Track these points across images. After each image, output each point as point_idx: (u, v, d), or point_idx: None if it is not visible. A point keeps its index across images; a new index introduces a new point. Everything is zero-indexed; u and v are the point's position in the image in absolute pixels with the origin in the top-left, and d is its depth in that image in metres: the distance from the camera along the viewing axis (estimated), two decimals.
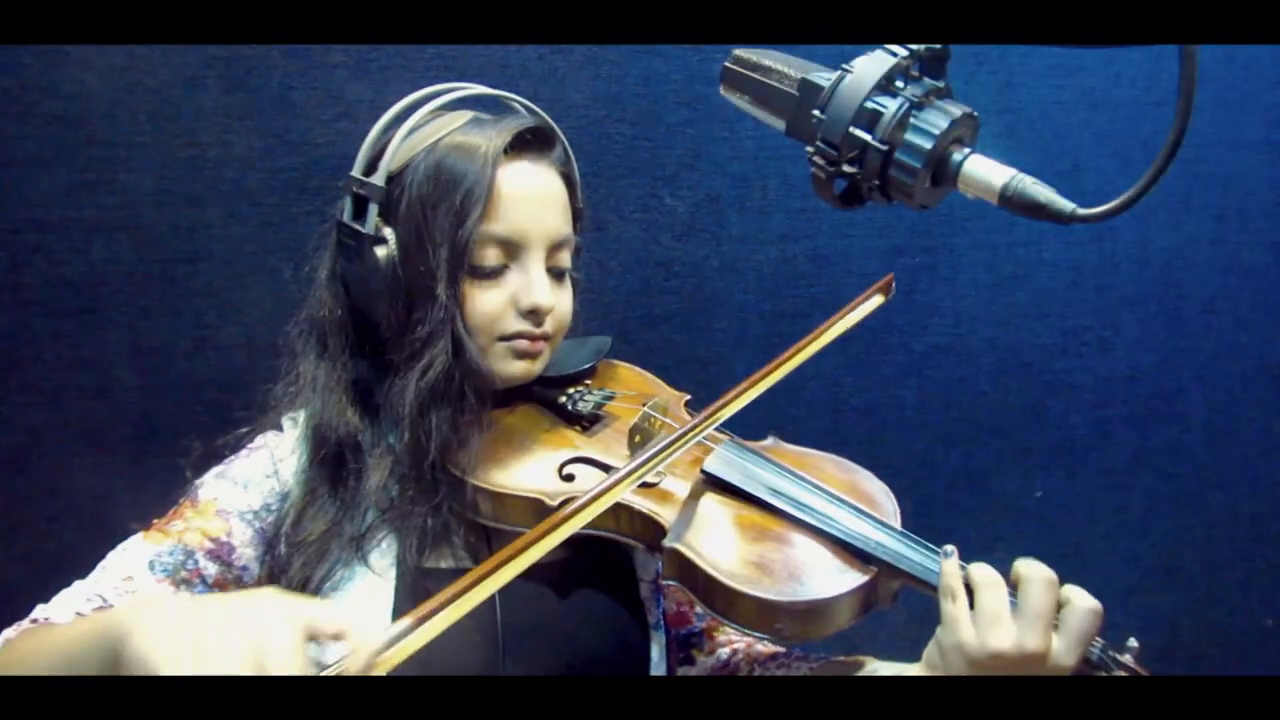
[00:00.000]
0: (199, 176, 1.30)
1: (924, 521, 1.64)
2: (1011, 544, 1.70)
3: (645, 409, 0.96)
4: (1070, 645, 0.75)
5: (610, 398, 1.03)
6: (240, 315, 1.33)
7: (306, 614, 0.63)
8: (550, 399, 1.02)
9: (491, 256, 0.93)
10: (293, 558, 0.90)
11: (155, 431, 1.33)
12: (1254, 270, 1.72)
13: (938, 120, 0.65)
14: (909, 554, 0.83)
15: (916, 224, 1.56)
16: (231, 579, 0.90)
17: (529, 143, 0.95)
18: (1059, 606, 0.77)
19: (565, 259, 0.98)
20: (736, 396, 0.87)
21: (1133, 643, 0.78)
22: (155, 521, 0.91)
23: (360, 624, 0.64)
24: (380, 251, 0.91)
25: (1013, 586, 0.78)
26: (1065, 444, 1.70)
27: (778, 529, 0.86)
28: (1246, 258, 1.71)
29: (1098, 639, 0.76)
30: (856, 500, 0.89)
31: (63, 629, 0.78)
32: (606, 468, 0.93)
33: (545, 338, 0.96)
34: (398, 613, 0.88)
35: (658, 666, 0.97)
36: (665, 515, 0.87)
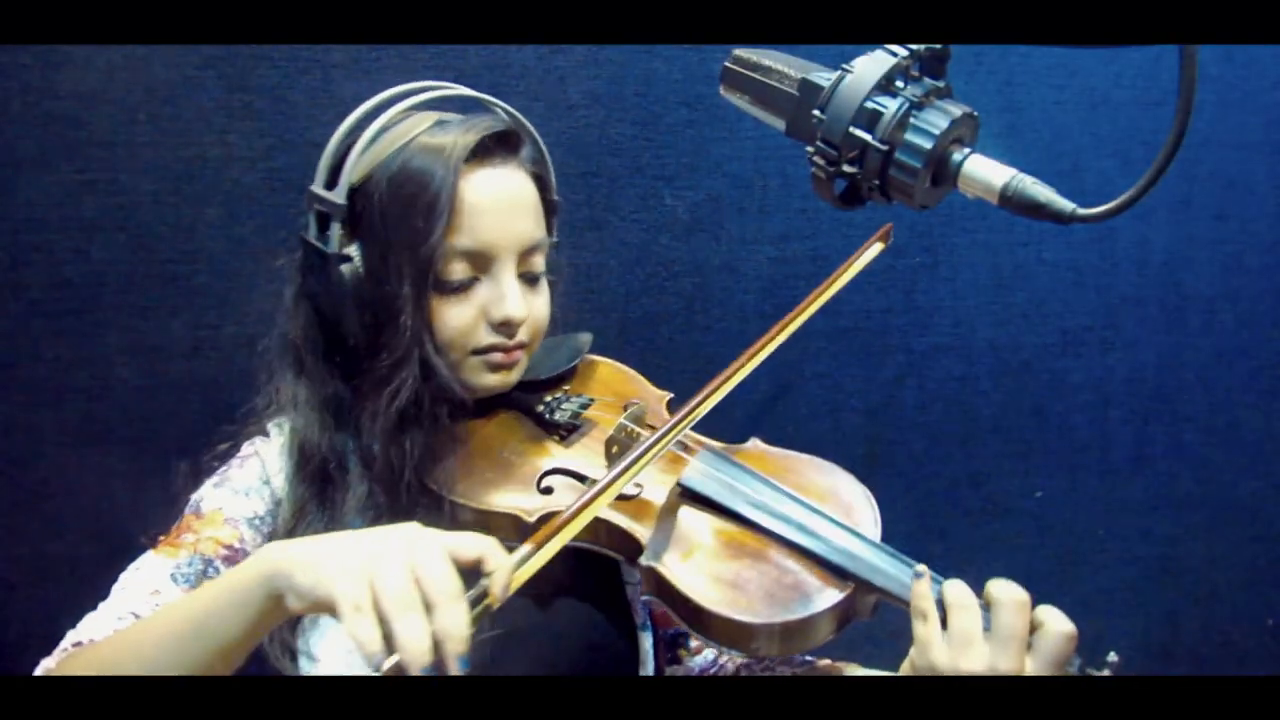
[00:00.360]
0: (199, 176, 1.30)
1: (924, 522, 1.66)
2: (1011, 544, 1.70)
3: (621, 419, 0.95)
4: (1043, 668, 0.73)
5: (589, 404, 1.01)
6: (240, 315, 1.33)
7: (448, 540, 0.69)
8: (528, 406, 1.00)
9: (459, 270, 0.90)
10: None
11: (155, 431, 1.33)
12: (1254, 270, 1.72)
13: (938, 120, 0.65)
14: (886, 569, 0.81)
15: (916, 224, 1.56)
16: None
17: (494, 147, 0.92)
18: (1033, 628, 0.75)
19: (538, 263, 0.96)
20: (717, 387, 0.86)
21: (1113, 657, 0.76)
22: (162, 538, 0.90)
23: (493, 546, 0.69)
24: (346, 269, 0.89)
25: (986, 605, 0.77)
26: (1065, 444, 1.70)
27: (755, 545, 0.85)
28: (1247, 258, 1.71)
29: (1075, 657, 0.75)
30: (836, 510, 0.88)
31: (170, 610, 0.76)
32: (584, 479, 0.92)
33: (521, 346, 0.95)
34: None
35: (645, 667, 0.97)
36: (642, 531, 0.87)
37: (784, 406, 1.56)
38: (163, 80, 1.27)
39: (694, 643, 1.07)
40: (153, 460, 1.31)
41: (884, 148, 0.65)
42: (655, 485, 0.91)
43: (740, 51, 0.75)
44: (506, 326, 0.92)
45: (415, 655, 0.62)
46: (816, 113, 0.68)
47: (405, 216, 0.87)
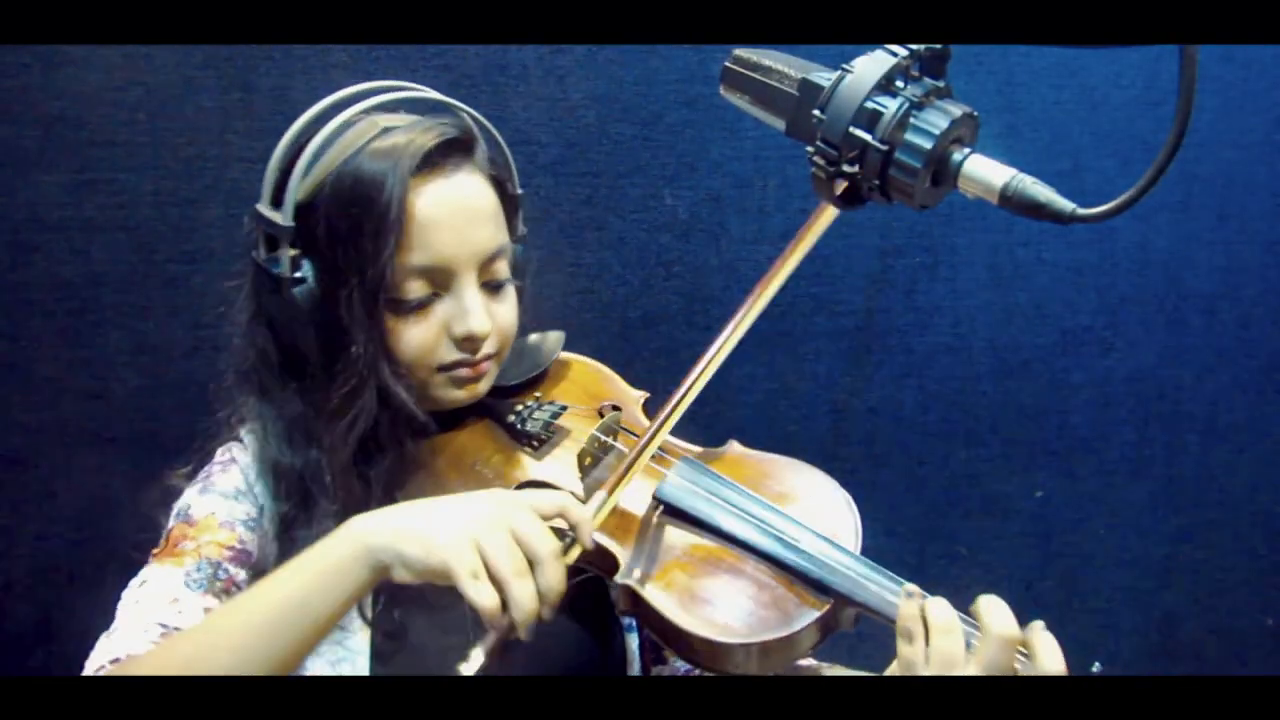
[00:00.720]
0: (199, 176, 1.30)
1: (924, 522, 1.66)
2: (1011, 544, 1.70)
3: (593, 431, 0.93)
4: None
5: (560, 412, 0.99)
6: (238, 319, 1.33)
7: (532, 500, 0.74)
8: (500, 414, 0.98)
9: (416, 289, 0.86)
10: None
11: (155, 431, 1.33)
12: (1254, 270, 1.72)
13: (938, 120, 0.65)
14: (866, 584, 0.80)
15: (916, 224, 1.56)
16: None
17: (444, 155, 0.86)
18: (1024, 652, 0.74)
19: (501, 270, 0.92)
20: (695, 380, 0.83)
21: (1096, 668, 0.76)
22: (156, 551, 0.86)
23: (570, 500, 0.76)
24: (298, 292, 0.85)
25: (974, 621, 0.75)
26: (1065, 444, 1.70)
27: (732, 560, 0.84)
28: (1247, 258, 1.71)
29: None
30: (815, 519, 0.86)
31: (257, 599, 0.74)
32: (555, 491, 0.90)
33: (488, 358, 0.92)
34: (376, 640, 0.86)
35: (631, 668, 0.96)
36: (618, 548, 0.85)
37: (784, 406, 1.56)
38: (163, 80, 1.27)
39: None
40: (153, 460, 1.31)
41: (884, 148, 0.65)
42: (632, 496, 0.88)
43: (740, 51, 0.75)
44: (470, 342, 0.89)
45: (529, 614, 0.69)
46: (816, 113, 0.68)
47: (353, 237, 0.83)
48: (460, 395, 0.92)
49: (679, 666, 1.06)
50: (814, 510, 0.88)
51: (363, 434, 0.86)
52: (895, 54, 0.66)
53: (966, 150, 0.66)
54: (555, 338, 1.07)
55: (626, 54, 1.41)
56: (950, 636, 0.73)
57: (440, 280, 0.88)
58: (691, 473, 0.90)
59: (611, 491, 0.78)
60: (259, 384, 0.92)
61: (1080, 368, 1.68)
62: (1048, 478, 1.70)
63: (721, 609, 0.80)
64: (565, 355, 1.08)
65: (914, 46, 0.67)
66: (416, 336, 0.88)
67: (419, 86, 0.93)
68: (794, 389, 1.56)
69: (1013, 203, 0.63)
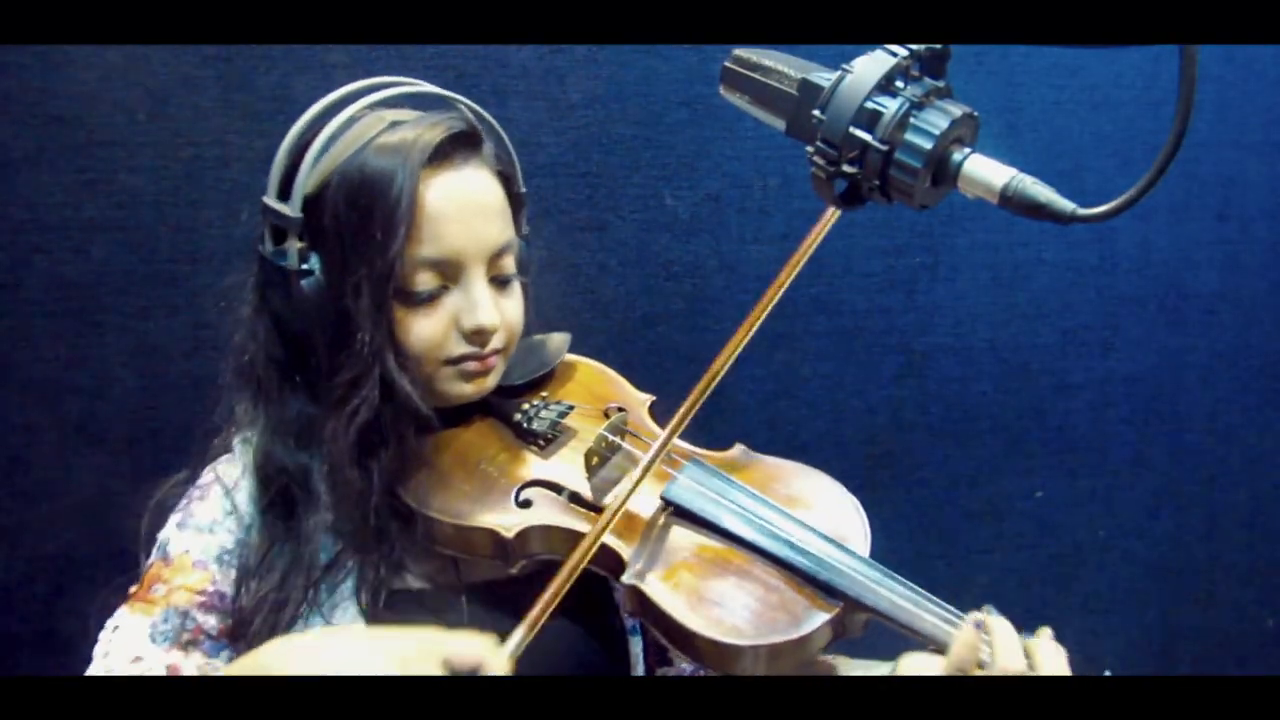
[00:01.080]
0: (199, 176, 1.30)
1: (924, 522, 1.66)
2: (1011, 544, 1.70)
3: (601, 430, 0.93)
4: None
5: (567, 411, 0.98)
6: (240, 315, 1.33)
7: (445, 650, 0.68)
8: (506, 413, 0.97)
9: (425, 281, 0.86)
10: (260, 602, 0.86)
11: (155, 431, 1.33)
12: (1254, 270, 1.72)
13: (938, 120, 0.65)
14: (876, 587, 0.79)
15: (916, 224, 1.56)
16: (233, 624, 0.88)
17: (453, 149, 0.87)
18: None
19: (508, 265, 0.92)
20: (703, 391, 0.84)
21: (1107, 674, 0.76)
22: (134, 591, 0.87)
23: (488, 647, 0.69)
24: (305, 285, 0.85)
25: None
26: (1065, 444, 1.70)
27: (740, 562, 0.83)
28: (1247, 258, 1.71)
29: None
30: (823, 524, 0.86)
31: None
32: (562, 491, 0.90)
33: (495, 353, 0.91)
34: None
35: (635, 671, 0.96)
36: (625, 548, 0.84)
37: (784, 406, 1.56)
38: (163, 80, 1.27)
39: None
40: (153, 460, 1.31)
41: (884, 148, 0.65)
42: (639, 497, 0.87)
43: (740, 51, 0.75)
44: (479, 335, 0.89)
45: None
46: (816, 113, 0.68)
47: (363, 228, 0.83)
48: (467, 390, 0.92)
49: (684, 668, 1.06)
50: (823, 514, 0.88)
51: (364, 425, 0.85)
52: (895, 54, 0.66)
53: (966, 150, 0.66)
54: (561, 339, 1.06)
55: (626, 54, 1.41)
56: (974, 665, 0.72)
57: (449, 273, 0.88)
58: (700, 474, 0.90)
59: (534, 626, 0.74)
60: (258, 381, 0.91)
61: (1080, 368, 1.68)
62: (1048, 478, 1.70)
63: (729, 611, 0.80)
64: (571, 357, 1.08)
65: (914, 46, 0.67)
66: (426, 329, 0.87)
67: (425, 83, 0.93)
68: (794, 389, 1.56)
69: (1013, 203, 0.63)
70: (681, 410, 0.83)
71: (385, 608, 0.87)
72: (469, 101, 0.93)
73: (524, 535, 0.86)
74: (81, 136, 1.26)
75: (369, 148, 0.85)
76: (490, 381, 0.93)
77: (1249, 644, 1.82)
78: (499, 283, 0.91)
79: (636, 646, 0.97)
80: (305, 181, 0.85)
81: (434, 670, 0.66)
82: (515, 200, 0.95)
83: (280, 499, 0.89)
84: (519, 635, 0.72)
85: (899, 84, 0.67)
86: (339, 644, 0.70)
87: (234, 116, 1.30)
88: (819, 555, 0.82)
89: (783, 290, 0.87)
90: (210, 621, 0.86)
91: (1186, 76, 0.55)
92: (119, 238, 1.29)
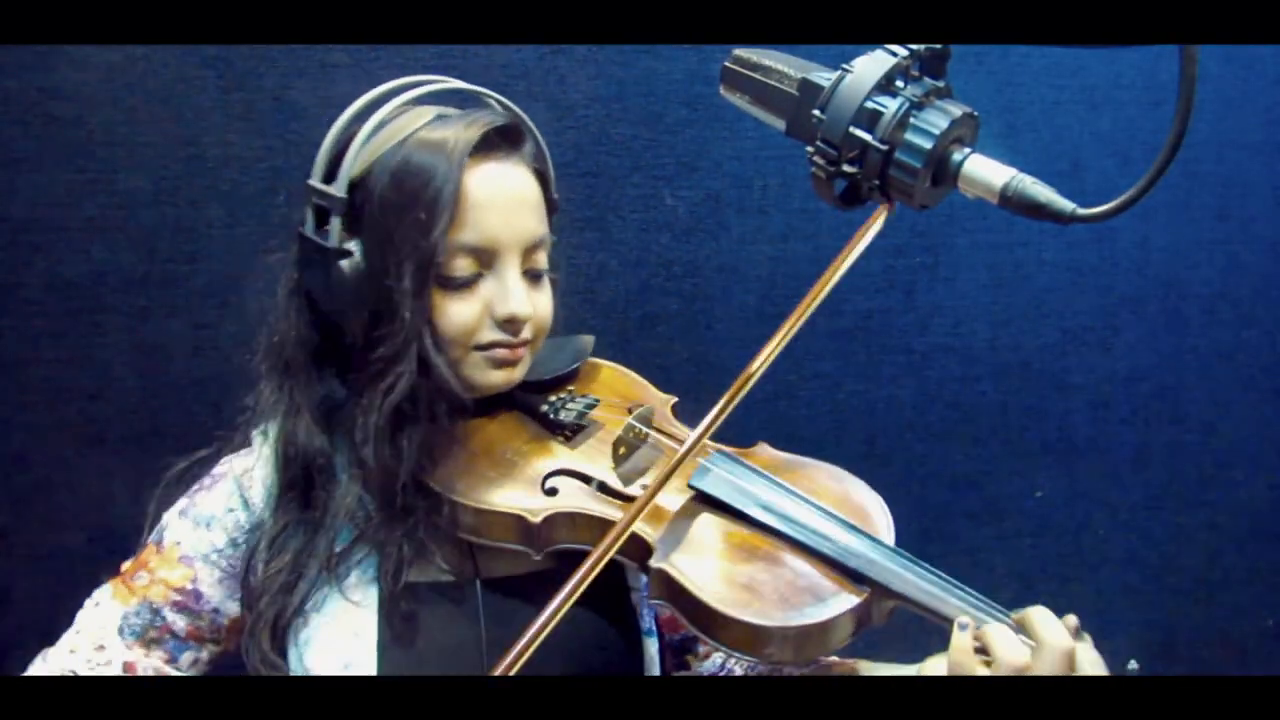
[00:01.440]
0: (199, 176, 1.30)
1: (924, 522, 1.66)
2: (1011, 544, 1.70)
3: (630, 420, 0.94)
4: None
5: (594, 404, 1.00)
6: (240, 315, 1.33)
7: None
8: (532, 406, 0.99)
9: (463, 267, 0.88)
10: (268, 583, 0.87)
11: (155, 431, 1.33)
12: (1254, 270, 1.72)
13: (938, 120, 0.65)
14: (903, 573, 0.80)
15: (916, 224, 1.56)
16: (204, 625, 0.90)
17: (497, 142, 0.90)
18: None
19: (541, 260, 0.94)
20: (740, 387, 0.84)
21: (1133, 665, 0.75)
22: (124, 569, 0.91)
23: None
24: (345, 265, 0.86)
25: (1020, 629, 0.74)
26: (1065, 444, 1.70)
27: (768, 548, 0.84)
28: (1247, 258, 1.71)
29: None
30: (849, 514, 0.86)
31: None
32: (589, 480, 0.91)
33: (525, 344, 0.93)
34: (384, 633, 0.87)
35: (650, 672, 0.96)
36: (653, 533, 0.85)
37: (784, 406, 1.56)
38: (163, 80, 1.27)
39: (702, 648, 1.06)
40: (153, 460, 1.31)
41: (884, 148, 0.65)
42: (665, 491, 0.87)
43: (740, 51, 0.75)
44: (511, 323, 0.90)
45: None
46: (816, 113, 0.68)
47: (408, 211, 0.85)
48: (496, 377, 0.93)
49: (701, 671, 1.06)
50: (847, 505, 0.88)
51: (398, 401, 0.87)
52: (895, 54, 0.67)
53: (966, 150, 0.66)
54: (586, 340, 1.08)
55: (626, 54, 1.42)
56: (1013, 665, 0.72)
57: (486, 260, 0.89)
58: (727, 464, 0.91)
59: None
60: (286, 361, 0.92)
61: (1080, 368, 1.68)
62: (1048, 478, 1.70)
63: (758, 594, 0.80)
64: (594, 360, 1.09)
65: (914, 46, 0.67)
66: (460, 314, 0.89)
67: (468, 84, 0.95)
68: (794, 389, 1.56)
69: (1013, 203, 0.63)
70: (718, 406, 0.83)
71: (401, 598, 0.88)
72: (509, 103, 0.95)
73: (550, 521, 0.87)
74: (81, 136, 1.26)
75: (416, 136, 0.87)
76: (518, 373, 0.94)
77: (1249, 644, 1.82)
78: (531, 276, 0.93)
79: (652, 648, 0.97)
80: (351, 166, 0.86)
81: None
82: (550, 203, 0.98)
83: (300, 481, 0.90)
84: (543, 619, 0.72)
85: (899, 84, 0.67)
86: None
87: (234, 116, 1.30)
88: (845, 542, 0.83)
89: (820, 299, 0.87)
90: (179, 622, 0.89)
91: (1186, 76, 0.55)
92: (119, 238, 1.29)
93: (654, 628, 0.98)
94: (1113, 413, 1.71)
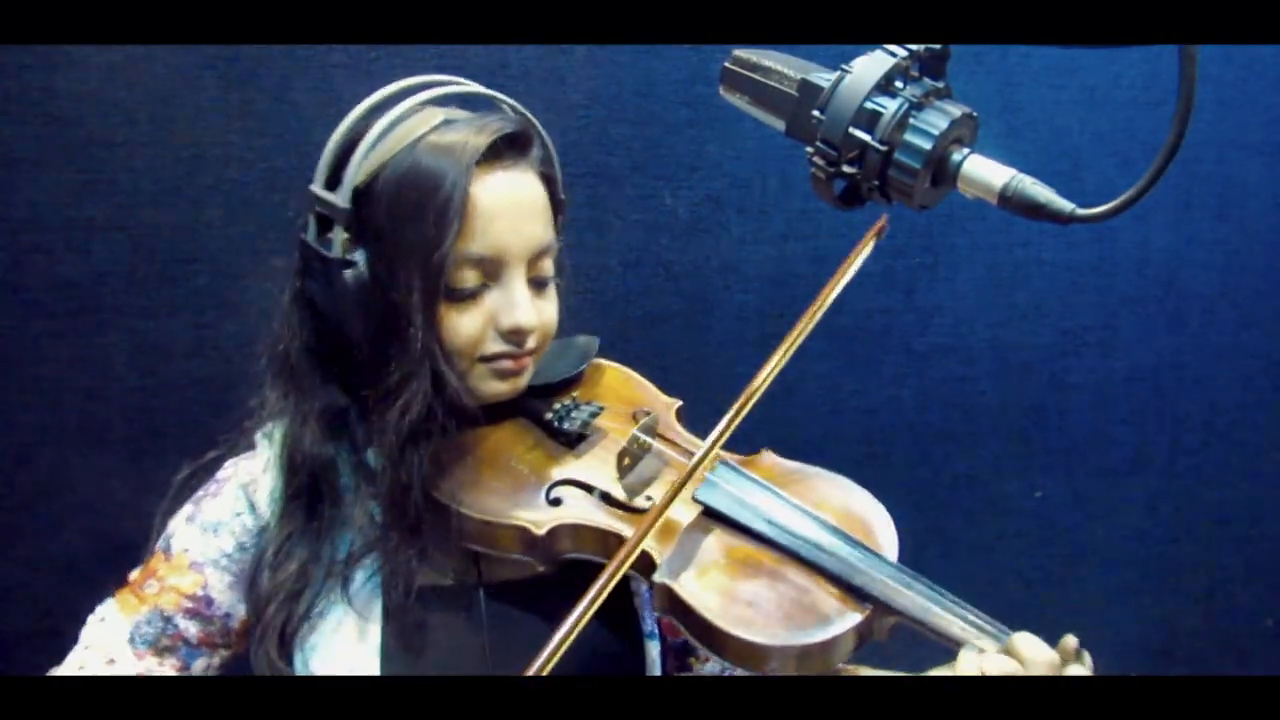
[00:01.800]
0: (199, 176, 1.30)
1: (924, 522, 1.66)
2: (1011, 544, 1.70)
3: (634, 431, 0.93)
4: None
5: (598, 412, 0.98)
6: (240, 315, 1.33)
7: None
8: (537, 413, 0.97)
9: (469, 278, 0.86)
10: (275, 590, 0.86)
11: (155, 431, 1.33)
12: (1254, 270, 1.72)
13: (937, 120, 0.65)
14: (907, 591, 0.80)
15: (916, 224, 1.56)
16: (216, 631, 0.89)
17: (505, 149, 0.87)
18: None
19: (547, 267, 0.92)
20: (746, 401, 0.85)
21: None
22: (131, 579, 0.90)
23: None
24: (349, 276, 0.84)
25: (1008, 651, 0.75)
26: (1065, 444, 1.70)
27: (771, 563, 0.84)
28: (1246, 258, 1.71)
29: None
30: (853, 528, 0.86)
31: None
32: (593, 490, 0.91)
33: (530, 353, 0.91)
34: (388, 638, 0.86)
35: (652, 674, 0.95)
36: (657, 548, 0.84)
37: (784, 407, 1.56)
38: (163, 80, 1.27)
39: (703, 651, 1.06)
40: (153, 460, 1.31)
41: (884, 148, 0.65)
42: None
43: (740, 52, 0.75)
44: (516, 335, 0.89)
45: None
46: (816, 113, 0.68)
47: (415, 222, 0.83)
48: (501, 388, 0.92)
49: (702, 673, 1.05)
50: (851, 519, 0.88)
51: (415, 419, 0.85)
52: (895, 54, 0.67)
53: (966, 150, 0.66)
54: (589, 342, 1.07)
55: (626, 54, 1.42)
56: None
57: (491, 270, 0.88)
58: (732, 477, 0.91)
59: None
60: (290, 370, 0.91)
61: (1080, 368, 1.68)
62: (1048, 478, 1.70)
63: (760, 611, 0.80)
64: (599, 361, 1.08)
65: (914, 46, 0.67)
66: (465, 325, 0.87)
67: (475, 84, 0.93)
68: (794, 389, 1.56)
69: (1012, 203, 0.63)
70: (721, 424, 0.84)
71: (402, 607, 0.87)
72: (517, 104, 0.93)
73: (555, 533, 0.86)
74: (81, 136, 1.26)
75: (422, 143, 0.85)
76: (523, 381, 0.93)
77: (1249, 644, 1.82)
78: (537, 284, 0.91)
79: (654, 651, 0.97)
80: (355, 174, 0.84)
81: None
82: (556, 205, 0.96)
83: (305, 490, 0.89)
84: (556, 640, 0.72)
85: (898, 84, 0.67)
86: None
87: (234, 116, 1.30)
88: (849, 558, 0.83)
89: (825, 308, 0.87)
90: (192, 629, 0.88)
91: (1186, 76, 0.55)
92: (119, 238, 1.29)
93: (656, 630, 0.98)
94: (1113, 413, 1.71)
